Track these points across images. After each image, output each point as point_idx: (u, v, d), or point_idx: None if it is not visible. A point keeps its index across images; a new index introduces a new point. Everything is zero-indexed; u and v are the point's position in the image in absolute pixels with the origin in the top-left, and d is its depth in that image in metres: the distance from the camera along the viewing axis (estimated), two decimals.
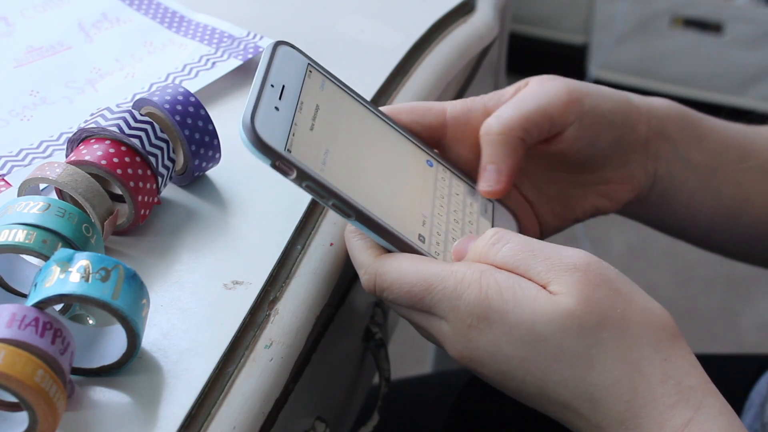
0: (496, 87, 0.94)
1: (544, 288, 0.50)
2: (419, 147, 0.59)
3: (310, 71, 0.55)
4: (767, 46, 2.03)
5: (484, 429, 0.82)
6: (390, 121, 0.59)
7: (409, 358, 1.49)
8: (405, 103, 0.61)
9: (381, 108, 0.59)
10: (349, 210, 0.52)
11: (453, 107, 0.60)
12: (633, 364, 0.49)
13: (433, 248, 0.55)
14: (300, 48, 0.56)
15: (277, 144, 0.51)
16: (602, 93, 0.61)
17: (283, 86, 0.53)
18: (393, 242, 0.54)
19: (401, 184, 0.56)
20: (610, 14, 2.08)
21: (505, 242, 0.52)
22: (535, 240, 0.52)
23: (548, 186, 0.63)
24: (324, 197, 0.52)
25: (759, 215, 0.67)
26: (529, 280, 0.51)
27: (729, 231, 0.68)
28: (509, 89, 0.61)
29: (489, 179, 0.58)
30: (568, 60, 2.17)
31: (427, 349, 1.29)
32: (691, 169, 0.65)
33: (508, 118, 0.58)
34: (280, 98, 0.52)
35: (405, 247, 0.54)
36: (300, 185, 0.52)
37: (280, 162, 0.51)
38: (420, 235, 0.55)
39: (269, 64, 0.54)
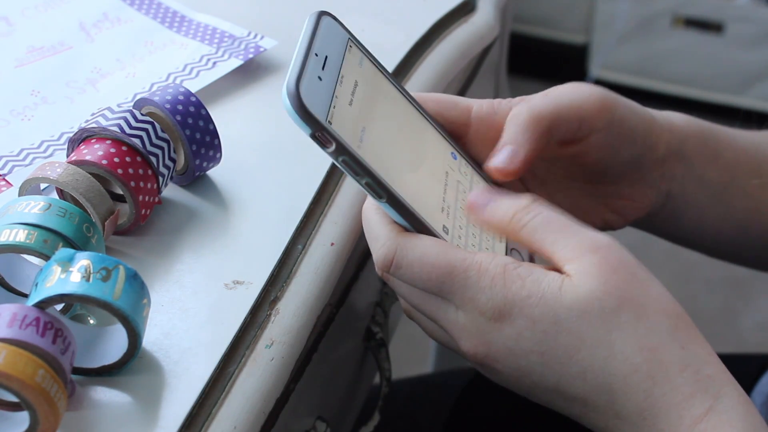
0: (497, 87, 0.94)
1: (563, 267, 0.50)
2: (445, 138, 0.59)
3: (350, 46, 0.55)
4: (767, 46, 2.03)
5: (484, 429, 0.82)
6: (419, 107, 0.58)
7: (409, 358, 1.49)
8: (432, 93, 0.60)
9: (412, 93, 0.59)
10: (382, 191, 0.52)
11: (479, 107, 0.60)
12: (651, 351, 0.49)
13: (456, 241, 0.54)
14: (342, 21, 0.56)
15: (319, 114, 0.50)
16: (630, 106, 0.61)
17: (326, 57, 0.52)
18: (420, 229, 0.53)
19: (427, 173, 0.56)
20: (610, 14, 2.08)
21: (538, 212, 0.52)
22: (563, 216, 0.52)
23: (562, 196, 0.63)
24: (359, 174, 0.51)
25: None
26: (551, 256, 0.51)
27: (738, 241, 0.68)
28: (538, 94, 0.60)
29: (502, 157, 0.55)
30: (569, 60, 2.17)
31: (428, 349, 1.29)
32: (705, 186, 0.65)
33: (542, 105, 0.57)
34: (323, 68, 0.51)
35: (431, 235, 0.53)
36: (336, 159, 0.51)
37: (320, 133, 0.50)
38: (444, 226, 0.54)
39: (314, 32, 0.53)
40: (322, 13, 0.54)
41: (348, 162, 0.51)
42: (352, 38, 0.55)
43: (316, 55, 0.51)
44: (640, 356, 0.49)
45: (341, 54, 0.53)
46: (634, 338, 0.49)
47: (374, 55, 0.57)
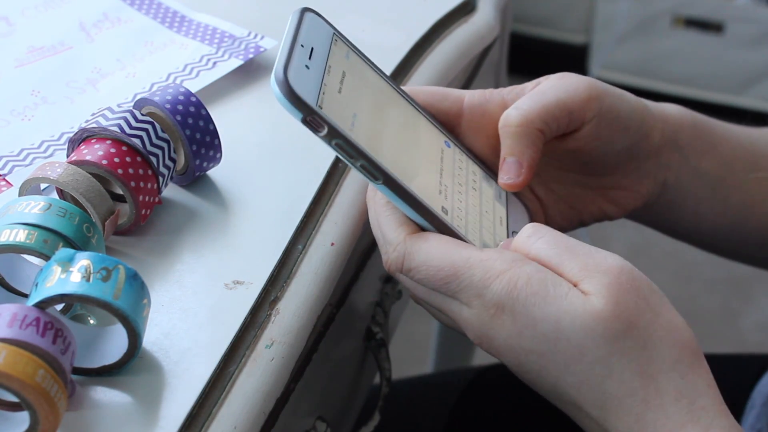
0: (497, 87, 0.94)
1: (575, 286, 0.50)
2: (437, 128, 0.59)
3: (336, 40, 0.55)
4: (767, 46, 2.03)
5: (484, 429, 0.82)
6: (410, 99, 0.59)
7: (410, 358, 1.49)
8: (423, 86, 0.61)
9: (403, 88, 0.59)
10: (377, 172, 0.52)
11: (471, 97, 0.60)
12: (650, 378, 0.49)
13: (456, 221, 0.55)
14: (326, 18, 0.56)
15: (309, 99, 0.50)
16: (621, 95, 0.61)
17: (312, 48, 0.53)
18: (418, 209, 0.53)
19: (422, 159, 0.56)
20: (611, 14, 2.08)
21: (540, 236, 0.52)
22: (570, 238, 0.52)
23: (558, 186, 0.63)
24: (353, 157, 0.52)
25: (765, 221, 0.67)
26: (561, 276, 0.51)
27: (734, 236, 0.68)
28: (529, 84, 0.61)
29: (509, 171, 0.58)
30: (570, 60, 2.17)
31: (428, 349, 1.29)
32: (701, 177, 0.65)
33: (528, 109, 0.57)
34: (309, 58, 0.52)
35: (429, 215, 0.53)
36: (329, 143, 0.51)
37: (311, 117, 0.50)
38: (443, 207, 0.54)
39: (298, 26, 0.53)
40: (306, 9, 0.55)
41: (341, 145, 0.51)
42: (338, 33, 0.56)
43: (302, 46, 0.52)
44: (637, 381, 0.49)
45: (327, 46, 0.54)
46: (635, 364, 0.49)
47: (372, 54, 0.57)
